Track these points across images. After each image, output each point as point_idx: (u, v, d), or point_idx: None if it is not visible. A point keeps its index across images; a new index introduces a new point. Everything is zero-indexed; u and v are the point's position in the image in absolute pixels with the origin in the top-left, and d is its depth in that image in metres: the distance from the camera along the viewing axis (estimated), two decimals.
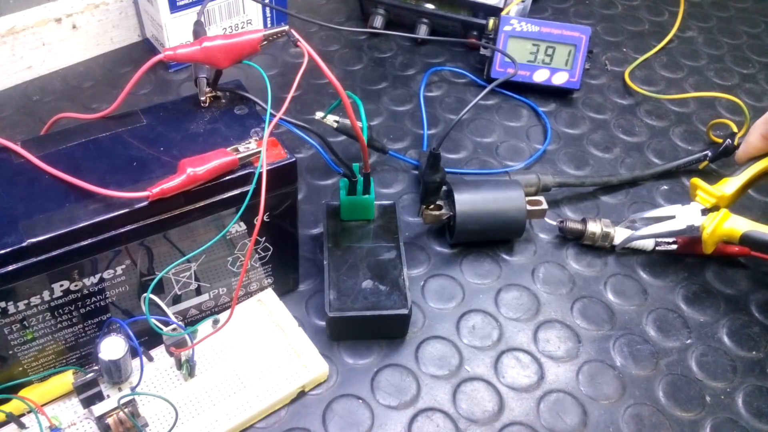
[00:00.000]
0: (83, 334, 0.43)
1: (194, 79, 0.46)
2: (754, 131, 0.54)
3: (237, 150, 0.41)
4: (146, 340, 0.46)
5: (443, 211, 0.55)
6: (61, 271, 0.39)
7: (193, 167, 0.39)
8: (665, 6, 0.86)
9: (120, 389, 0.44)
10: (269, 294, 0.50)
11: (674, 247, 0.56)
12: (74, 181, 0.39)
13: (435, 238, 0.57)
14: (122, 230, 0.39)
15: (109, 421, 0.41)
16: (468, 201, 0.54)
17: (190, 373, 0.45)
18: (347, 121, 0.54)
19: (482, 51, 0.71)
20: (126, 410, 0.41)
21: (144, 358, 0.45)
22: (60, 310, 0.41)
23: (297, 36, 0.43)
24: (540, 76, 0.70)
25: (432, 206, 0.55)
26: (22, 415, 0.42)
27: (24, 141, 0.42)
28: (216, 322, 0.48)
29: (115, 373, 0.43)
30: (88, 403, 0.42)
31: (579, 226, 0.56)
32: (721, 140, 0.64)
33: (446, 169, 0.55)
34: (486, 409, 0.47)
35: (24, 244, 0.37)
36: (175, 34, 0.68)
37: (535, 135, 0.67)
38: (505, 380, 0.49)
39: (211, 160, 0.40)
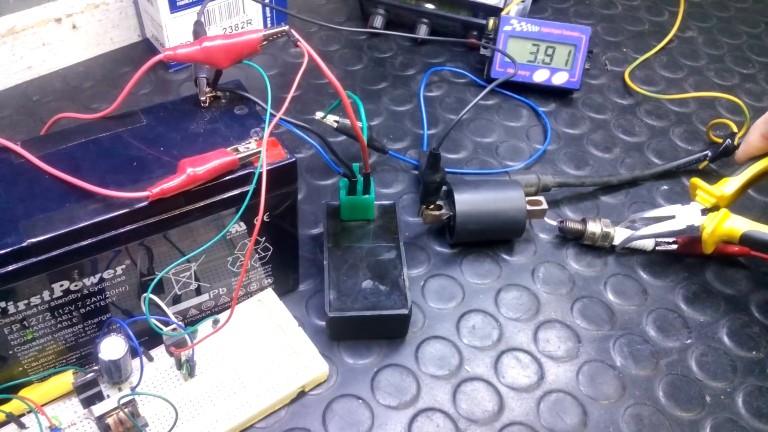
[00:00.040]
0: (83, 334, 0.43)
1: (194, 79, 0.46)
2: (754, 131, 0.54)
3: (237, 150, 0.41)
4: (146, 340, 0.46)
5: (443, 211, 0.55)
6: (61, 271, 0.39)
7: (193, 167, 0.39)
8: (665, 6, 0.86)
9: (120, 389, 0.44)
10: (269, 294, 0.50)
11: (674, 247, 0.56)
12: (74, 181, 0.39)
13: (435, 238, 0.57)
14: (122, 230, 0.39)
15: (109, 421, 0.41)
16: (468, 201, 0.54)
17: (190, 373, 0.45)
18: (347, 121, 0.54)
19: (482, 51, 0.71)
20: (126, 410, 0.41)
21: (144, 358, 0.45)
22: (60, 310, 0.41)
23: (297, 36, 0.43)
24: (540, 76, 0.70)
25: (432, 206, 0.55)
26: (22, 415, 0.42)
27: (24, 141, 0.42)
28: (216, 322, 0.48)
29: (115, 373, 0.43)
30: (88, 403, 0.42)
31: (579, 226, 0.56)
32: (721, 140, 0.64)
33: (446, 169, 0.55)
34: (486, 409, 0.47)
35: (24, 244, 0.37)
36: (175, 34, 0.68)
37: (535, 135, 0.67)
38: (505, 380, 0.49)
39: (211, 160, 0.40)
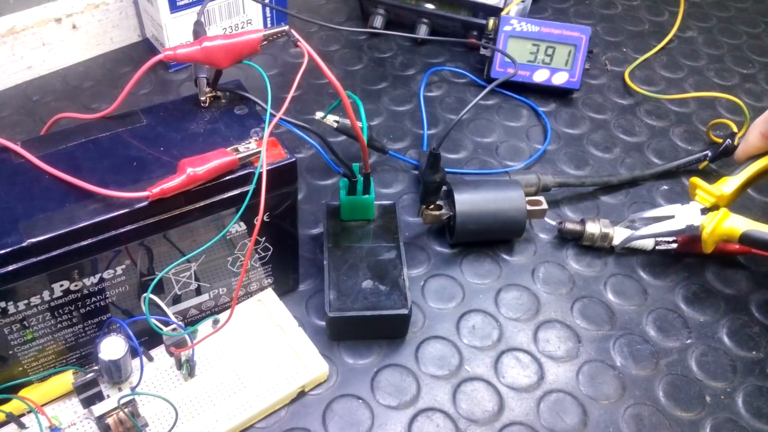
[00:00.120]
0: (83, 334, 0.43)
1: (194, 79, 0.46)
2: (754, 130, 0.54)
3: (237, 150, 0.41)
4: (146, 340, 0.46)
5: (443, 211, 0.55)
6: (61, 271, 0.39)
7: (193, 167, 0.39)
8: (665, 6, 0.86)
9: (120, 389, 0.44)
10: (269, 294, 0.50)
11: (674, 246, 0.56)
12: (74, 181, 0.39)
13: (435, 238, 0.57)
14: (122, 230, 0.39)
15: (109, 421, 0.41)
16: (468, 201, 0.54)
17: (190, 373, 0.45)
18: (347, 121, 0.54)
19: (482, 51, 0.71)
20: (126, 410, 0.41)
21: (144, 358, 0.45)
22: (60, 310, 0.41)
23: (297, 36, 0.43)
24: (540, 76, 0.70)
25: (432, 206, 0.55)
26: (22, 415, 0.42)
27: (24, 141, 0.42)
28: (216, 322, 0.48)
29: (115, 373, 0.43)
30: (88, 403, 0.42)
31: (578, 227, 0.56)
32: (721, 140, 0.64)
33: (446, 169, 0.55)
34: (486, 409, 0.47)
35: (24, 244, 0.37)
36: (175, 34, 0.68)
37: (535, 135, 0.67)
38: (505, 380, 0.49)
39: (211, 160, 0.40)
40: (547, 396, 0.48)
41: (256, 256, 0.48)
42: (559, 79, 0.70)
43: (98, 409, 0.41)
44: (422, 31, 0.75)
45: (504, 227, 0.55)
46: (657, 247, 0.56)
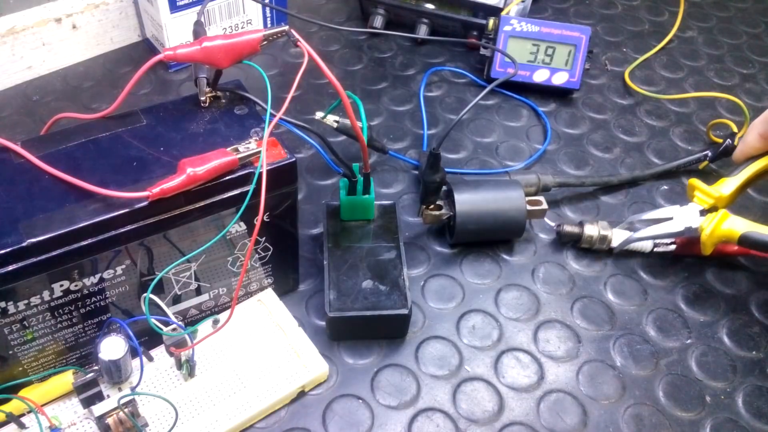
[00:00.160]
0: (83, 334, 0.43)
1: (194, 79, 0.46)
2: (752, 131, 0.54)
3: (237, 150, 0.41)
4: (146, 340, 0.46)
5: (443, 211, 0.55)
6: (61, 271, 0.39)
7: (193, 167, 0.39)
8: (665, 6, 0.86)
9: (120, 389, 0.44)
10: (269, 294, 0.50)
11: (672, 248, 0.56)
12: (74, 181, 0.39)
13: (435, 238, 0.57)
14: (122, 230, 0.39)
15: (109, 421, 0.41)
16: (468, 201, 0.54)
17: (190, 373, 0.45)
18: (347, 121, 0.54)
19: (482, 51, 0.71)
20: (126, 410, 0.41)
21: (144, 358, 0.45)
22: (60, 310, 0.41)
23: (297, 36, 0.43)
24: (540, 76, 0.70)
25: (432, 206, 0.55)
26: (22, 415, 0.42)
27: (24, 141, 0.42)
28: (216, 322, 0.48)
29: (115, 373, 0.43)
30: (88, 403, 0.42)
31: (576, 230, 0.56)
32: (721, 140, 0.64)
33: (446, 169, 0.55)
34: (486, 409, 0.47)
35: (24, 244, 0.37)
36: (175, 34, 0.68)
37: (535, 135, 0.67)
38: (505, 380, 0.49)
39: (211, 160, 0.40)
40: (547, 396, 0.48)
41: (256, 256, 0.48)
42: (559, 79, 0.70)
43: (98, 409, 0.41)
44: (422, 31, 0.75)
45: (504, 227, 0.55)
46: (655, 249, 0.56)
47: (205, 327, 0.47)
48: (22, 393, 0.42)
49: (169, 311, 0.44)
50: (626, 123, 0.70)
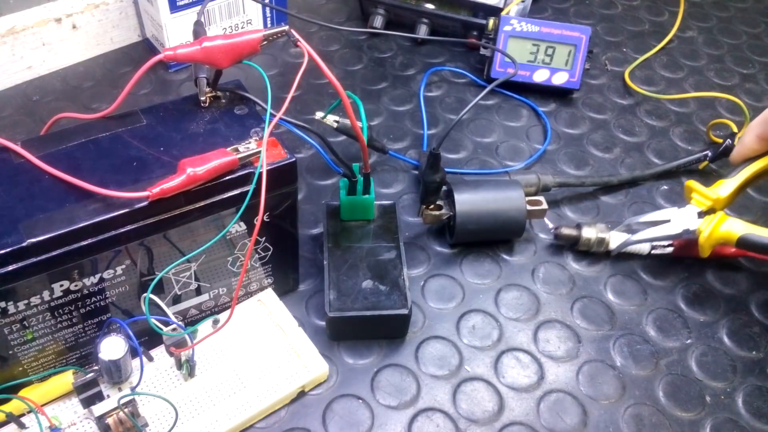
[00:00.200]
0: (83, 334, 0.43)
1: (194, 79, 0.46)
2: (750, 132, 0.54)
3: (237, 150, 0.41)
4: (146, 340, 0.46)
5: (443, 211, 0.55)
6: (61, 271, 0.39)
7: (193, 167, 0.39)
8: (665, 6, 0.86)
9: (120, 389, 0.44)
10: (269, 294, 0.50)
11: (670, 250, 0.56)
12: (74, 181, 0.39)
13: (435, 238, 0.57)
14: (122, 230, 0.39)
15: (109, 421, 0.41)
16: (468, 201, 0.54)
17: (190, 373, 0.45)
18: (347, 121, 0.54)
19: (482, 51, 0.71)
20: (126, 410, 0.41)
21: (144, 358, 0.45)
22: (60, 310, 0.41)
23: (297, 36, 0.43)
24: (540, 76, 0.70)
25: (432, 206, 0.55)
26: (22, 415, 0.42)
27: (24, 141, 0.42)
28: (216, 322, 0.48)
29: (115, 373, 0.43)
30: (88, 403, 0.42)
31: (573, 233, 0.56)
32: (721, 140, 0.64)
33: (446, 169, 0.55)
34: (486, 409, 0.47)
35: (24, 244, 0.37)
36: (175, 34, 0.68)
37: (535, 135, 0.67)
38: (505, 380, 0.49)
39: (211, 160, 0.40)
40: (547, 396, 0.48)
41: (256, 256, 0.48)
42: (559, 79, 0.70)
43: (98, 409, 0.41)
44: (422, 31, 0.75)
45: (504, 227, 0.55)
46: (653, 252, 0.56)
47: (205, 327, 0.47)
48: (22, 393, 0.42)
49: (169, 311, 0.44)
50: (626, 123, 0.70)
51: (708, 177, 0.63)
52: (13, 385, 0.42)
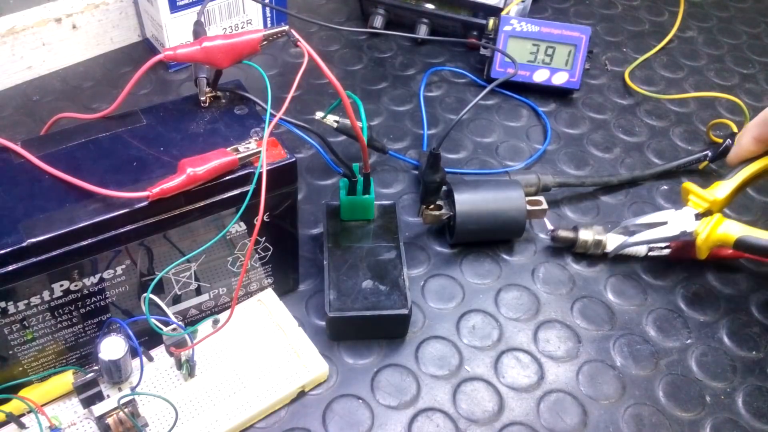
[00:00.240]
0: (83, 334, 0.43)
1: (194, 79, 0.46)
2: (746, 134, 0.53)
3: (237, 150, 0.41)
4: (146, 340, 0.46)
5: (443, 211, 0.55)
6: (61, 271, 0.39)
7: (193, 167, 0.39)
8: (665, 6, 0.86)
9: (120, 389, 0.44)
10: (269, 294, 0.50)
11: (667, 252, 0.56)
12: (74, 181, 0.39)
13: (435, 238, 0.57)
14: (122, 230, 0.39)
15: (109, 421, 0.41)
16: (468, 201, 0.54)
17: (190, 373, 0.45)
18: (347, 121, 0.54)
19: (482, 51, 0.71)
20: (126, 410, 0.41)
21: (144, 358, 0.45)
22: (60, 310, 0.41)
23: (297, 36, 0.43)
24: (540, 76, 0.70)
25: (432, 206, 0.55)
26: (22, 415, 0.42)
27: (24, 141, 0.42)
28: (216, 322, 0.48)
29: (115, 373, 0.43)
30: (88, 403, 0.42)
31: (570, 235, 0.56)
32: (721, 140, 0.64)
33: (446, 169, 0.55)
34: (486, 409, 0.47)
35: (24, 244, 0.37)
36: (175, 34, 0.68)
37: (535, 135, 0.67)
38: (505, 380, 0.49)
39: (211, 160, 0.40)
40: (547, 396, 0.48)
41: (256, 256, 0.48)
42: (559, 79, 0.70)
43: (98, 409, 0.41)
44: (422, 31, 0.75)
45: (504, 227, 0.55)
46: (650, 254, 0.56)
47: (205, 327, 0.47)
48: (22, 393, 0.42)
49: (169, 311, 0.44)
50: (626, 123, 0.70)
51: (708, 177, 0.63)
52: (13, 385, 0.42)
